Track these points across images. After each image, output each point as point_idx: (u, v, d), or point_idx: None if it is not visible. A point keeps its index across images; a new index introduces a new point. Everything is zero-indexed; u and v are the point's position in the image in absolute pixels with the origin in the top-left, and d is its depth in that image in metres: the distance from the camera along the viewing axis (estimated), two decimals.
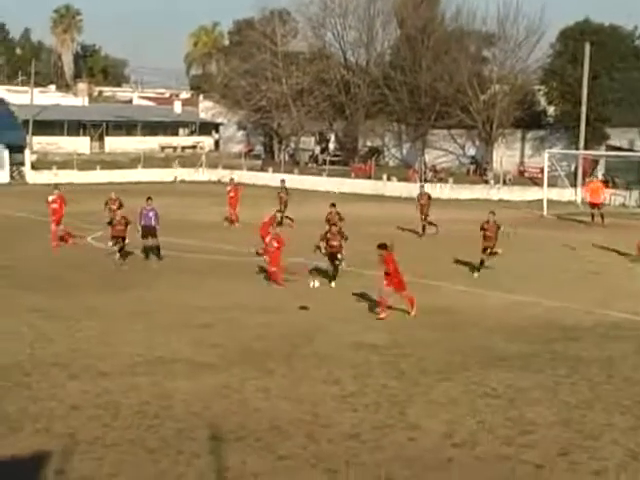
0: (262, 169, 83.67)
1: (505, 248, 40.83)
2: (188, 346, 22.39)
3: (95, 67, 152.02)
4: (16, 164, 78.76)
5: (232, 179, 52.69)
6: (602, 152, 70.24)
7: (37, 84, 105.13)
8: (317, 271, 32.60)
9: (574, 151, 66.66)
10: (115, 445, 15.81)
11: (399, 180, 72.76)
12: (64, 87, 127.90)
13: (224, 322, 25.07)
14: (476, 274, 33.55)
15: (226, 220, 48.73)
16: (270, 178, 76.89)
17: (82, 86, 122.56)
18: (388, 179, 72.81)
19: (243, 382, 19.72)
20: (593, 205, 52.55)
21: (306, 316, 26.23)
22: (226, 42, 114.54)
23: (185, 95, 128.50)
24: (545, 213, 55.32)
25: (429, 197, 46.30)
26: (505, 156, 77.48)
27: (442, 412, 17.97)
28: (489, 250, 33.76)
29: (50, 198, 40.48)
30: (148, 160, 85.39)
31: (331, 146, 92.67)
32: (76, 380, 19.73)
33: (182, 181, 76.72)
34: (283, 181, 52.53)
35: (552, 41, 79.03)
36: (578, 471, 15.12)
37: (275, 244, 31.43)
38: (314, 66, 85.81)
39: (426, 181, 71.27)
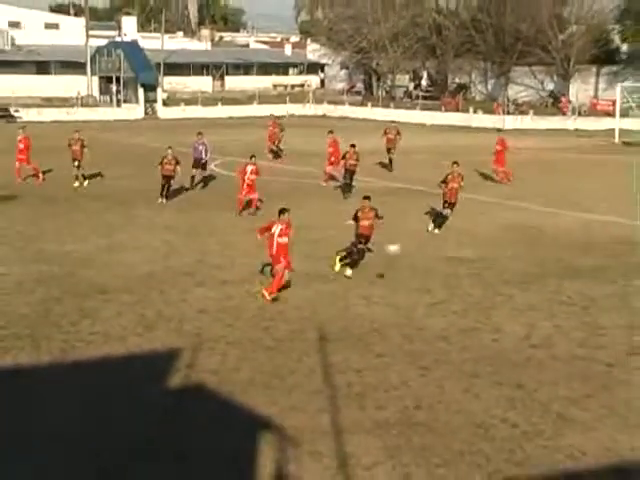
0: (362, 104, 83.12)
1: (581, 172, 40.32)
2: (299, 258, 22.44)
3: (217, 15, 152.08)
4: (149, 101, 79.71)
5: (272, 114, 50.24)
6: None
7: (167, 31, 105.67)
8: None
9: None
10: (237, 343, 16.09)
11: (484, 113, 71.74)
12: (190, 33, 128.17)
13: (329, 238, 25.08)
14: (437, 230, 26.93)
15: (270, 152, 45.45)
16: (369, 112, 76.68)
17: (205, 32, 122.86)
18: (474, 112, 71.78)
19: (347, 291, 19.83)
20: None
21: (405, 233, 26.09)
22: None
23: (295, 39, 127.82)
24: (617, 140, 54.15)
25: (398, 132, 42.20)
26: (581, 90, 76.20)
27: (522, 317, 17.92)
28: (452, 203, 27.26)
29: (18, 138, 37.35)
30: (263, 97, 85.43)
31: (423, 83, 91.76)
32: (202, 287, 20.06)
33: (292, 115, 76.52)
34: (273, 115, 48.95)
35: None
36: None
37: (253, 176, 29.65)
38: (409, 11, 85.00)
39: (509, 113, 70.33)
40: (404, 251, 22.18)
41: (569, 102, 74.01)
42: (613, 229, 27.32)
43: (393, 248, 21.28)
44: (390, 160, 41.38)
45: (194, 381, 14.32)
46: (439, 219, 27.24)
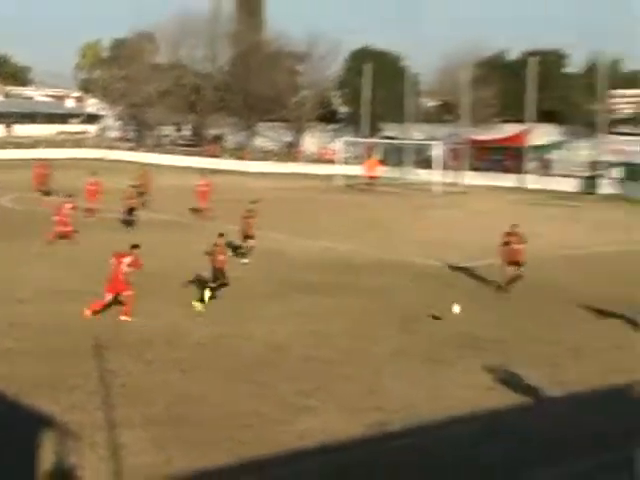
0: (134, 149, 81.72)
1: (312, 207, 41.23)
2: (80, 281, 21.78)
3: (7, 72, 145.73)
4: None
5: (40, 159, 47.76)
6: (380, 140, 71.10)
7: None
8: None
9: (362, 139, 67.05)
10: (24, 353, 15.40)
11: (236, 159, 72.19)
12: None
13: (108, 264, 24.42)
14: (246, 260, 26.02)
15: (39, 191, 40.69)
16: (141, 156, 75.47)
17: None
18: (228, 158, 72.20)
19: (120, 306, 19.29)
20: (370, 177, 53.63)
21: (171, 258, 25.75)
22: (107, 54, 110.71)
23: (76, 94, 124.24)
24: (339, 183, 55.82)
25: (147, 174, 40.65)
26: (311, 142, 78.27)
27: (267, 326, 18.05)
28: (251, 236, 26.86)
29: None
30: (49, 142, 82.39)
31: (187, 133, 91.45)
32: None
33: (73, 158, 73.96)
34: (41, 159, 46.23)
35: (345, 58, 79.73)
36: (359, 366, 15.45)
37: None
38: (173, 73, 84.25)
39: (255, 159, 71.08)
40: (169, 272, 21.97)
41: (302, 151, 75.73)
42: (333, 253, 27.99)
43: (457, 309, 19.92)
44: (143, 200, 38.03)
45: None
46: (240, 250, 26.44)
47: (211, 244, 20.58)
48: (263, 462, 11.19)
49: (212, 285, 20.01)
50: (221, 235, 20.88)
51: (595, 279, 24.41)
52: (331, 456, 11.58)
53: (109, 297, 18.56)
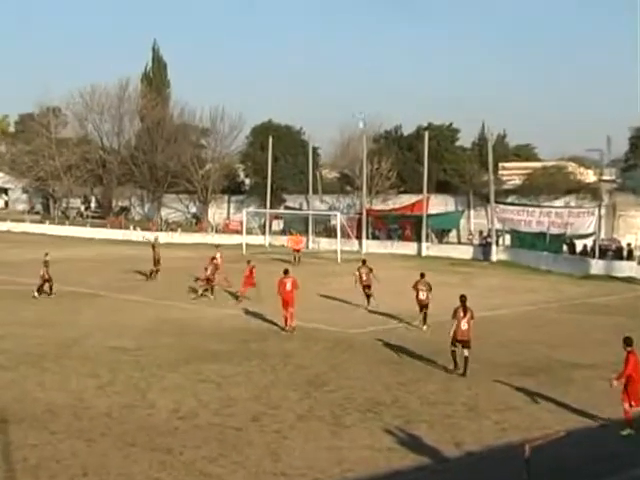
0: (41, 222, 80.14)
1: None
2: None
3: None
4: None
5: None
6: (283, 211, 71.78)
7: None
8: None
9: (266, 210, 67.45)
10: None
11: (142, 229, 71.51)
12: None
13: (12, 334, 23.91)
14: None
15: None
16: (47, 228, 74.27)
17: None
18: (134, 229, 71.47)
19: (25, 378, 18.86)
20: (295, 250, 53.34)
21: (74, 327, 25.35)
22: (13, 129, 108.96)
23: None
24: (244, 252, 55.88)
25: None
26: (217, 213, 78.44)
27: (171, 394, 17.84)
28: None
29: None
30: None
31: (92, 205, 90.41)
32: None
33: None
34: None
35: (247, 134, 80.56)
36: (265, 431, 15.40)
37: None
38: (79, 148, 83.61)
39: (162, 230, 70.55)
40: (75, 343, 21.49)
41: (208, 222, 75.65)
42: (238, 321, 27.79)
43: None
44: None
45: None
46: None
47: None
48: None
49: None
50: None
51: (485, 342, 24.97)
52: None
53: None
